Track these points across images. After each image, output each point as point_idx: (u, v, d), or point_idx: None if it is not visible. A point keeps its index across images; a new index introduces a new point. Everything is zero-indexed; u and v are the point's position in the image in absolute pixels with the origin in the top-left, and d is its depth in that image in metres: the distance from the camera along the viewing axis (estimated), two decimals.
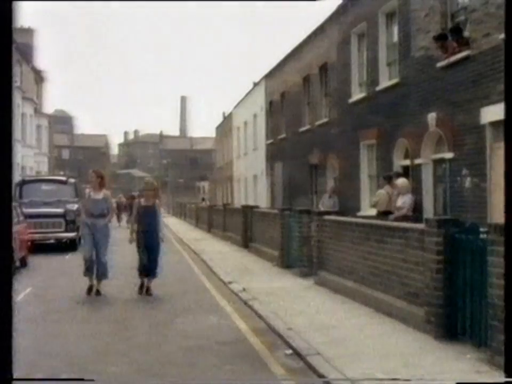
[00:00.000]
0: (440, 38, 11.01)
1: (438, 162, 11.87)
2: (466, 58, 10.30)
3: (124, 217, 32.92)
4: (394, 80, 13.50)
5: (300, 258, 11.98)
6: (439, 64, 11.24)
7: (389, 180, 12.79)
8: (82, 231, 10.50)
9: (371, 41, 14.89)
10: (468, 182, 10.38)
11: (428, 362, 5.62)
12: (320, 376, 5.48)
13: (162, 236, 10.19)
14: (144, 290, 9.86)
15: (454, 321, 6.33)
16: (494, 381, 4.86)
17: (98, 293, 9.78)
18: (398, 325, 7.14)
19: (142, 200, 10.21)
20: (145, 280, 9.95)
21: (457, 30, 10.67)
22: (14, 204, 14.70)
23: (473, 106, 10.07)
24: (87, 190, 10.35)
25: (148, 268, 9.88)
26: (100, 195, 10.01)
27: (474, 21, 10.14)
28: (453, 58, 10.70)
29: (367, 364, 5.63)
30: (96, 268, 9.85)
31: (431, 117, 11.61)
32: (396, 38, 13.71)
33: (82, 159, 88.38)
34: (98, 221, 9.87)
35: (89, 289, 9.84)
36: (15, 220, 13.04)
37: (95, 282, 9.89)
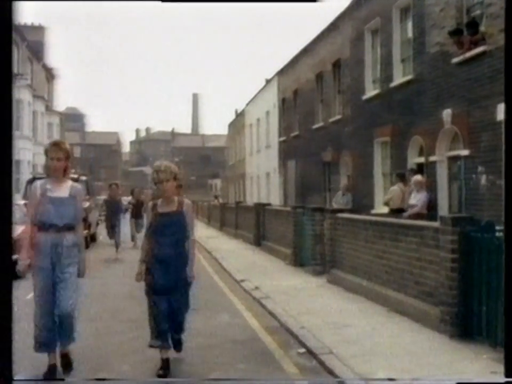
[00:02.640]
0: (456, 33, 10.88)
1: (453, 160, 11.74)
2: (482, 54, 10.17)
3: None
4: (409, 77, 13.38)
5: (313, 256, 11.91)
6: (455, 60, 11.10)
7: (402, 177, 12.68)
8: (35, 260, 5.25)
9: (385, 37, 14.77)
10: (483, 180, 10.24)
11: (443, 362, 5.53)
12: (334, 375, 5.42)
13: (189, 274, 5.57)
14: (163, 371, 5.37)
15: (469, 321, 6.24)
16: (494, 381, 4.78)
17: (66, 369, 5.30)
18: (412, 324, 7.05)
19: (159, 203, 5.56)
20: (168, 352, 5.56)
21: (473, 25, 10.53)
22: (25, 201, 14.74)
23: (489, 103, 9.93)
24: (38, 184, 5.37)
25: (170, 329, 5.58)
26: (64, 190, 5.34)
27: (490, 16, 9.99)
28: (469, 54, 10.57)
29: (381, 363, 5.56)
30: (57, 328, 5.23)
31: (446, 113, 11.48)
32: (410, 33, 13.59)
33: (93, 157, 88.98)
34: (62, 238, 5.24)
35: (50, 371, 5.17)
36: (25, 218, 13.01)
37: (57, 355, 5.33)
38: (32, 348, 5.29)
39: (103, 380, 5.23)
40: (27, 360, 5.30)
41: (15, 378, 2.77)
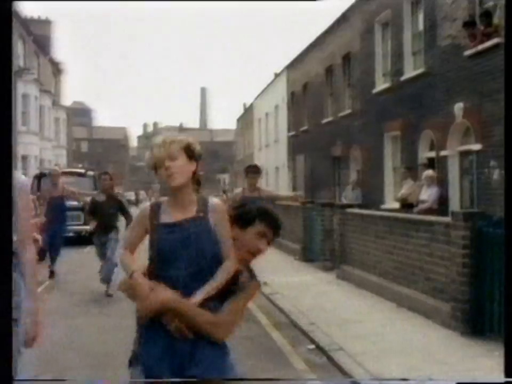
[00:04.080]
0: (468, 25, 10.73)
1: (464, 154, 11.61)
2: (495, 46, 10.00)
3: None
4: (420, 70, 13.23)
5: (322, 252, 11.84)
6: (467, 53, 10.95)
7: (410, 171, 12.60)
8: None
9: (395, 30, 14.62)
10: (495, 174, 10.11)
11: (454, 360, 5.47)
12: (343, 372, 5.37)
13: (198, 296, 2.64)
14: None
15: (481, 317, 6.16)
16: (494, 381, 4.72)
17: None
18: (423, 320, 6.98)
19: (162, 207, 2.71)
20: None
21: (486, 17, 10.38)
22: (32, 196, 14.75)
23: (502, 96, 9.68)
24: None
25: None
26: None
27: (503, 7, 9.83)
28: (481, 46, 10.42)
29: (391, 360, 5.49)
30: None
31: (458, 107, 11.34)
32: (421, 26, 13.43)
33: (101, 152, 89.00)
34: None
35: None
36: (33, 213, 13.06)
37: None
38: (50, 341, 4.85)
39: (103, 379, 5.20)
40: (44, 354, 5.27)
41: (15, 378, 2.71)
